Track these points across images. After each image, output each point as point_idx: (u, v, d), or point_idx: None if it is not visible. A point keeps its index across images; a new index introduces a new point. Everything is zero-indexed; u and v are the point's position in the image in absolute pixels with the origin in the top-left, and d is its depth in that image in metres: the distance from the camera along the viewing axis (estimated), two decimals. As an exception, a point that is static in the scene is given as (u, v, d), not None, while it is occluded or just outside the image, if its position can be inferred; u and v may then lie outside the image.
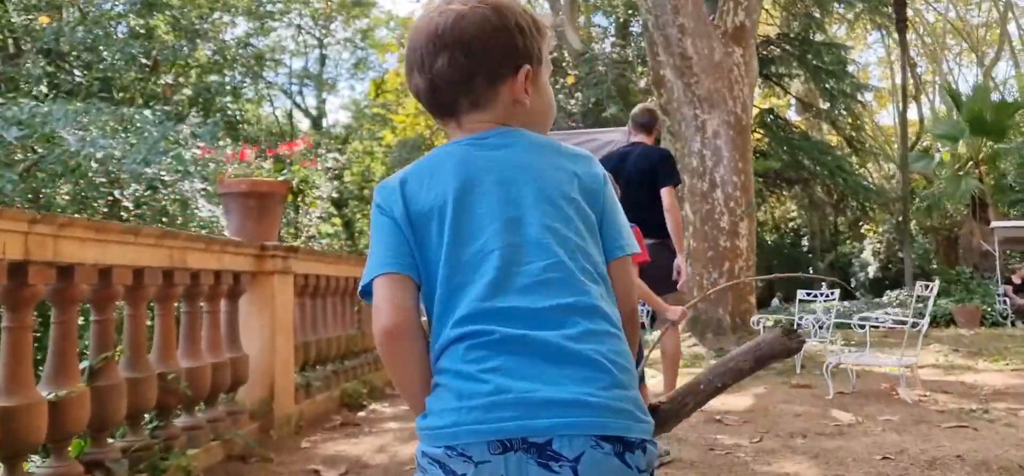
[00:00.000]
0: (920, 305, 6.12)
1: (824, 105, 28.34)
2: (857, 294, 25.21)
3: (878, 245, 30.57)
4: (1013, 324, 15.13)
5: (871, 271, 30.33)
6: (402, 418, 5.58)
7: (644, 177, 4.74)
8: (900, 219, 29.18)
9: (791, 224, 36.83)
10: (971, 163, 18.94)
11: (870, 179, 33.43)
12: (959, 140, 18.98)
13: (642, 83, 22.10)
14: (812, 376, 7.23)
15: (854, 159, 29.47)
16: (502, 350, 1.15)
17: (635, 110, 5.31)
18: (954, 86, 31.20)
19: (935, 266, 24.67)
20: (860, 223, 31.47)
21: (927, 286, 5.77)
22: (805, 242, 34.20)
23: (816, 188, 27.96)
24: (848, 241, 33.81)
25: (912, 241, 21.99)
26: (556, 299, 1.18)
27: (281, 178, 4.58)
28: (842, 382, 6.10)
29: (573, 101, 19.09)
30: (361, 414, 5.79)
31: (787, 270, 32.49)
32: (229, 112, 21.59)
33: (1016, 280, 15.67)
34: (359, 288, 1.32)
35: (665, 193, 4.74)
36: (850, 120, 28.29)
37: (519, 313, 1.17)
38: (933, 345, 9.89)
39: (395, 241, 1.26)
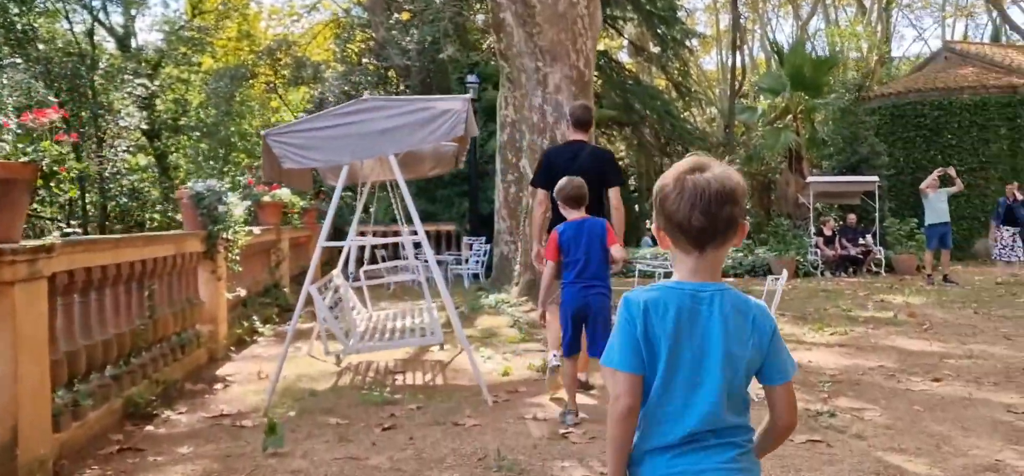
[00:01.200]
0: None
1: (655, 49, 28.74)
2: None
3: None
4: (823, 274, 15.88)
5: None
6: (201, 435, 4.69)
7: (597, 177, 5.14)
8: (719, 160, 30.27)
9: (620, 164, 37.54)
10: (790, 116, 19.63)
11: (694, 123, 34.55)
12: (779, 93, 19.58)
13: (481, 21, 21.32)
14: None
15: (680, 104, 30.23)
16: None
17: (574, 108, 5.69)
18: (772, 36, 32.58)
19: (749, 207, 25.87)
20: (683, 166, 32.40)
21: (776, 279, 5.48)
22: (633, 182, 34.95)
23: (645, 131, 28.43)
24: (674, 182, 34.81)
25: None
26: None
27: (25, 160, 3.49)
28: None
29: (408, 38, 18.02)
30: (149, 428, 4.84)
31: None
32: (18, 26, 18.90)
33: (827, 232, 16.41)
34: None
35: (614, 193, 5.35)
36: (678, 66, 28.87)
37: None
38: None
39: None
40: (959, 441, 4.28)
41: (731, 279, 14.78)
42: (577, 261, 4.67)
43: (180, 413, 5.21)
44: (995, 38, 32.39)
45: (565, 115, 9.78)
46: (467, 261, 14.67)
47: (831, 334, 8.04)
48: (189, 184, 7.08)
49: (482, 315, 9.56)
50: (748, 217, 8.47)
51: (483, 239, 14.72)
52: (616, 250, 4.78)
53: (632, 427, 1.72)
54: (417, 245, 7.46)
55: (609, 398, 1.75)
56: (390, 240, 8.73)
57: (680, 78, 29.14)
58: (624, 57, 35.72)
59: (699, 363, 1.68)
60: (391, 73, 20.13)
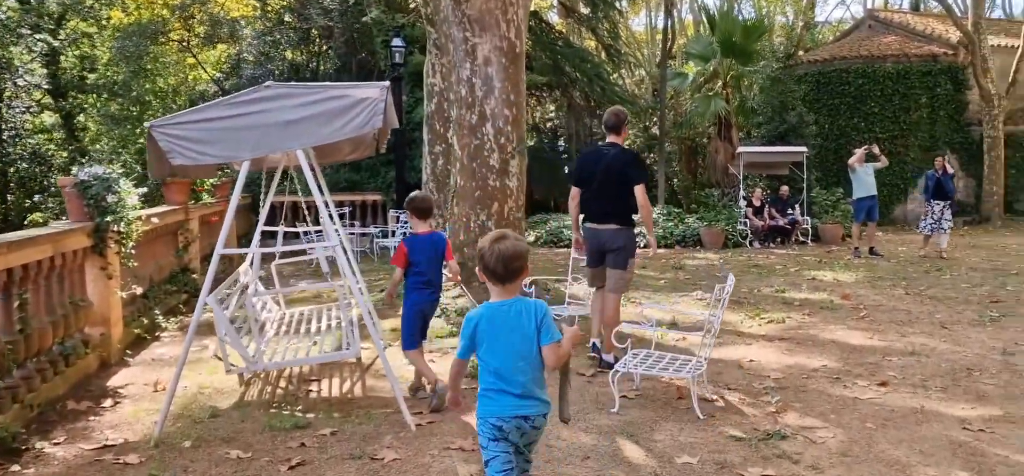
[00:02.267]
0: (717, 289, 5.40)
1: (585, 10, 28.17)
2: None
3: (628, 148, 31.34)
4: (751, 244, 15.75)
5: (620, 173, 31.10)
6: (77, 468, 4.02)
7: (619, 174, 5.75)
8: (647, 125, 30.12)
9: (549, 125, 37.06)
10: (720, 83, 19.38)
11: (623, 85, 34.22)
12: (709, 60, 19.29)
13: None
14: (584, 351, 6.48)
15: (610, 66, 29.80)
16: None
17: (605, 115, 6.24)
18: (701, 2, 32.31)
19: (677, 169, 25.75)
20: (613, 128, 32.11)
21: (722, 288, 5.04)
22: (563, 143, 34.53)
23: (575, 94, 27.95)
24: (600, 142, 34.53)
25: (664, 153, 22.49)
26: None
27: None
28: (625, 378, 5.32)
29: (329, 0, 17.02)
30: (15, 467, 4.14)
31: (547, 172, 32.72)
32: None
33: (756, 202, 16.27)
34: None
35: (639, 191, 5.77)
36: (608, 27, 28.39)
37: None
38: (696, 292, 9.64)
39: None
40: (920, 471, 3.93)
41: (664, 250, 14.51)
42: (422, 271, 5.18)
43: (56, 444, 4.51)
44: (915, 7, 32.82)
45: (495, 89, 9.23)
46: (394, 234, 13.99)
47: (768, 323, 7.73)
48: (74, 171, 6.25)
49: (407, 301, 8.97)
50: (677, 179, 8.02)
51: (410, 211, 14.06)
52: (452, 266, 5.49)
53: (460, 377, 3.11)
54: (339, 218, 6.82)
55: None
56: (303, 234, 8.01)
57: (610, 40, 28.69)
58: (554, 17, 35.07)
59: (503, 340, 2.84)
60: (314, 33, 19.07)
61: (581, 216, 6.17)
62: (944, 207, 12.96)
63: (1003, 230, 19.98)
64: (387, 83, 4.73)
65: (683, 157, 25.41)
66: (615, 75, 31.86)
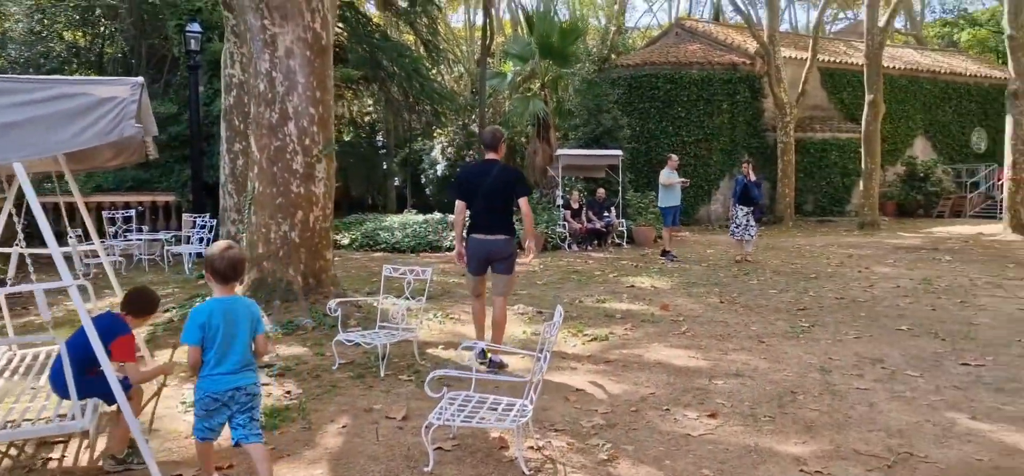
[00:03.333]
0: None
1: (404, 4, 27.28)
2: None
3: (447, 146, 30.84)
4: (570, 247, 15.60)
5: (440, 169, 30.57)
6: None
7: (503, 189, 6.08)
8: (466, 123, 29.67)
9: (367, 120, 35.84)
10: (538, 84, 19.18)
11: (442, 82, 33.61)
12: (528, 61, 19.04)
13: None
14: (398, 384, 5.73)
15: (428, 62, 29.10)
16: None
17: (483, 133, 6.43)
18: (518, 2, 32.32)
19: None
20: (432, 125, 31.50)
21: (551, 325, 4.43)
22: (381, 138, 33.47)
23: (393, 89, 27.02)
24: (420, 138, 33.81)
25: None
26: None
27: None
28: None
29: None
30: None
31: (364, 169, 31.56)
32: None
33: (574, 205, 16.15)
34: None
35: (523, 202, 6.13)
36: (427, 22, 27.66)
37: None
38: (517, 306, 9.12)
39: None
40: (764, 532, 3.51)
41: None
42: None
43: None
44: (715, 17, 34.54)
45: (299, 85, 8.22)
46: (189, 240, 12.52)
47: (592, 340, 7.31)
48: None
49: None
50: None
51: (208, 215, 12.65)
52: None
53: (197, 367, 3.61)
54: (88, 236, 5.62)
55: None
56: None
57: (429, 36, 27.97)
58: (371, 9, 33.88)
59: (232, 332, 3.57)
60: (98, 12, 16.91)
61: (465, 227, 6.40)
62: (748, 213, 13.27)
63: (794, 230, 21.22)
64: (140, 80, 3.71)
65: (504, 158, 25.13)
66: (434, 71, 31.19)
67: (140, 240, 12.43)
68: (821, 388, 5.68)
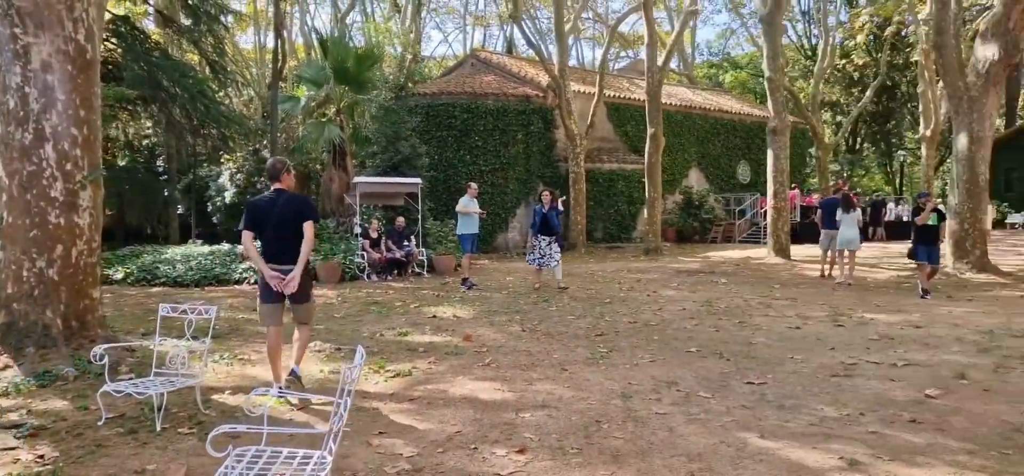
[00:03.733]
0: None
1: (186, 22, 25.61)
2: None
3: (237, 172, 29.22)
4: (369, 277, 15.14)
5: (228, 196, 28.86)
6: None
7: (292, 218, 6.13)
8: (257, 148, 28.27)
9: (146, 143, 33.19)
10: (334, 109, 18.58)
11: (230, 104, 31.87)
12: (322, 85, 18.41)
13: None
14: (177, 439, 5.09)
15: (215, 83, 27.50)
16: None
17: (269, 164, 6.51)
18: (312, 23, 31.40)
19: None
20: (219, 149, 29.72)
21: (351, 367, 4.07)
22: (161, 163, 31.08)
23: (175, 110, 25.18)
24: (206, 164, 31.80)
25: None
26: None
27: None
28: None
29: None
30: None
31: (141, 196, 29.10)
32: None
33: (373, 234, 15.72)
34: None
35: (307, 226, 6.13)
36: (213, 42, 26.15)
37: None
38: (314, 343, 8.58)
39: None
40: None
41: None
42: None
43: None
44: (508, 50, 35.48)
45: (58, 102, 7.26)
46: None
47: (395, 376, 6.98)
48: None
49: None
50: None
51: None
52: None
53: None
54: None
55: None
56: None
57: (215, 56, 26.42)
58: (150, 24, 31.57)
59: None
60: None
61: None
62: (550, 242, 13.33)
63: (586, 256, 22.05)
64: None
65: (297, 185, 24.15)
66: (222, 94, 29.48)
67: None
68: (624, 415, 5.72)
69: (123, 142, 33.02)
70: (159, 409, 5.49)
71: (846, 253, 14.40)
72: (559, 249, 13.50)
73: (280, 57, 32.83)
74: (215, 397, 6.26)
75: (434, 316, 10.52)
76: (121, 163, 31.22)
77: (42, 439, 5.20)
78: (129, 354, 7.37)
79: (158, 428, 5.37)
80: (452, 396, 6.29)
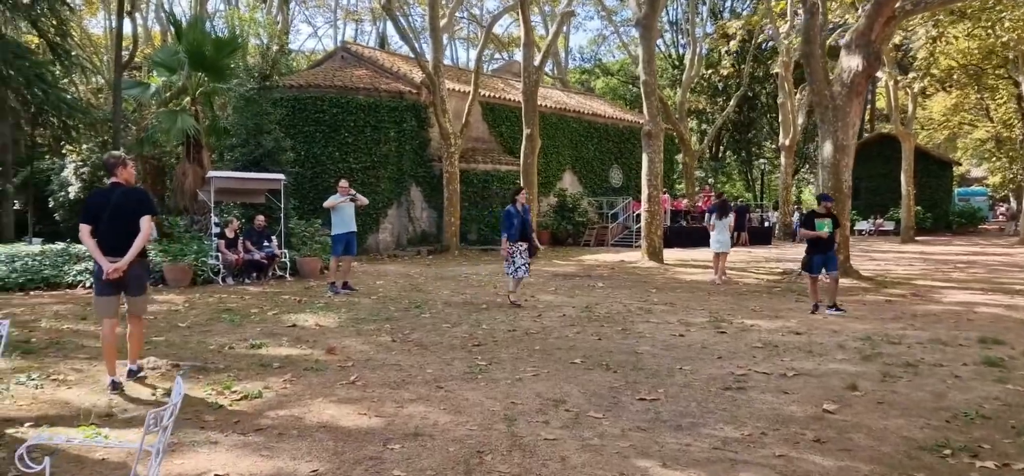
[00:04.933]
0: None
1: (24, 1, 23.07)
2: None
3: (82, 166, 26.65)
4: (224, 280, 13.79)
5: (73, 192, 26.26)
6: None
7: (132, 211, 6.22)
8: (106, 139, 25.89)
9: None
10: (188, 99, 16.96)
11: (76, 92, 29.13)
12: (177, 71, 16.76)
13: None
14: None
15: (57, 68, 24.98)
16: None
17: (104, 157, 6.82)
18: (169, 9, 29.15)
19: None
20: (62, 140, 27.02)
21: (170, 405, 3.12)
22: (-8, 157, 27.90)
23: (9, 95, 22.63)
24: (47, 155, 28.89)
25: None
26: None
27: None
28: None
29: None
30: None
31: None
32: None
33: (230, 234, 14.32)
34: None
35: (144, 221, 6.23)
36: (55, 23, 23.68)
37: None
38: (146, 358, 7.35)
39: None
40: None
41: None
42: None
43: None
44: (382, 45, 34.26)
45: None
46: None
47: (242, 399, 5.94)
48: None
49: None
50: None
51: None
52: None
53: None
54: None
55: None
56: None
57: (57, 38, 23.94)
58: (-18, 3, 28.44)
59: None
60: None
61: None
62: (525, 249, 11.43)
63: (460, 258, 21.32)
64: None
65: (149, 179, 22.16)
66: (66, 80, 26.84)
67: None
68: (509, 443, 4.96)
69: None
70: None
71: (722, 256, 14.75)
72: (529, 257, 11.63)
73: (133, 43, 30.29)
74: (10, 430, 5.04)
75: (294, 325, 9.44)
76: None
77: None
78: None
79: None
80: (308, 424, 5.33)
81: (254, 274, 14.29)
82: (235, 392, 6.12)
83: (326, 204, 12.65)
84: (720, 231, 15.25)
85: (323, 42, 44.95)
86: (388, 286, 13.89)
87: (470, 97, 23.59)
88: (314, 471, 4.42)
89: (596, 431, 5.26)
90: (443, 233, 23.38)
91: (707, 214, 16.45)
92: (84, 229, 6.23)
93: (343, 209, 12.52)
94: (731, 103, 35.49)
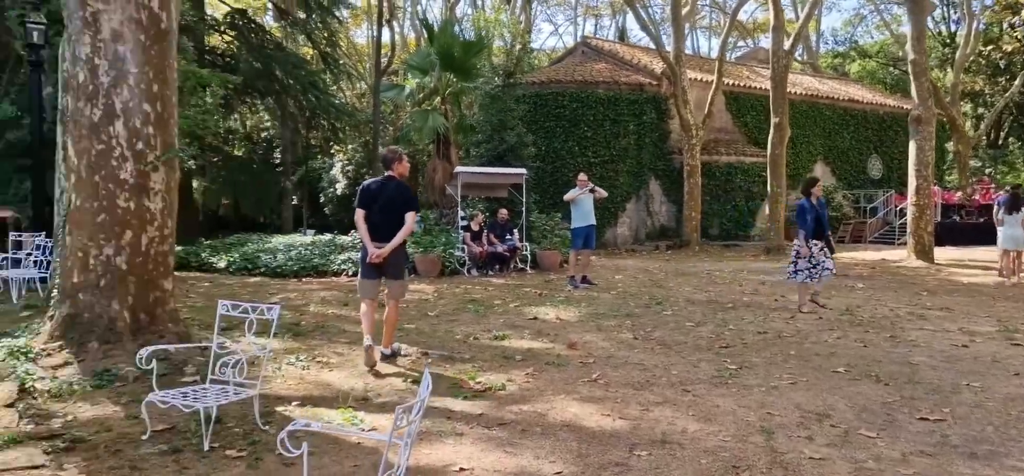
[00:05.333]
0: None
1: (301, 15, 25.60)
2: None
3: (347, 164, 29.16)
4: (469, 272, 14.26)
5: (340, 188, 28.80)
6: None
7: (397, 204, 6.71)
8: (368, 140, 28.05)
9: (264, 135, 33.73)
10: (438, 99, 17.81)
11: (343, 97, 31.84)
12: (428, 73, 17.66)
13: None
14: (224, 464, 4.21)
15: (328, 76, 27.47)
16: None
17: (382, 152, 8.21)
18: (422, 15, 30.98)
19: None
20: (330, 141, 29.75)
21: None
22: (278, 155, 31.43)
23: (289, 101, 25.25)
24: (319, 156, 31.98)
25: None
26: None
27: None
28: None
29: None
30: None
31: (254, 185, 29.38)
32: None
33: (474, 227, 14.81)
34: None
35: (409, 216, 6.70)
36: (326, 35, 26.05)
37: None
38: (400, 340, 7.66)
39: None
40: None
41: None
42: None
43: None
44: (621, 37, 34.03)
45: (129, 76, 6.58)
46: (19, 264, 10.53)
47: (486, 391, 5.93)
48: None
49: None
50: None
51: (44, 234, 10.69)
52: None
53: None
54: None
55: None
56: None
57: (327, 48, 26.32)
58: (269, 20, 32.02)
59: None
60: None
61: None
62: (822, 247, 10.29)
63: (701, 254, 20.52)
64: None
65: (404, 175, 23.66)
66: (335, 87, 29.47)
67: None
68: (768, 459, 4.46)
69: (242, 134, 33.64)
70: (207, 424, 4.63)
71: (1012, 254, 12.95)
72: (831, 254, 10.43)
73: (387, 48, 32.50)
74: (279, 409, 5.39)
75: (535, 318, 9.44)
76: (238, 153, 31.71)
77: (76, 455, 4.43)
78: (200, 353, 6.61)
79: (206, 447, 4.52)
80: (551, 422, 5.18)
81: (497, 266, 14.65)
82: (479, 383, 6.14)
83: (566, 197, 12.62)
84: (1010, 226, 13.36)
85: (563, 39, 45.64)
86: (627, 281, 13.61)
87: (713, 86, 22.64)
88: (558, 473, 4.23)
89: (871, 453, 4.59)
90: (682, 227, 22.67)
91: (995, 206, 14.36)
92: (359, 213, 6.75)
93: (582, 202, 12.40)
94: (1016, 83, 31.05)
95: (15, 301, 9.84)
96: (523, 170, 15.78)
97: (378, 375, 6.37)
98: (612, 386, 6.13)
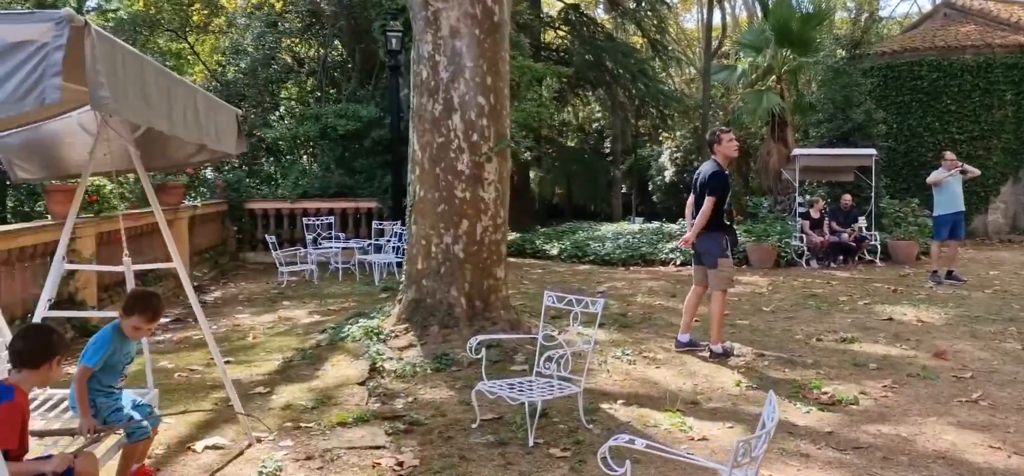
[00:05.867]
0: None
1: (631, 5, 25.65)
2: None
3: (676, 151, 28.69)
4: (808, 263, 13.02)
5: (668, 176, 28.44)
6: None
7: (700, 188, 6.48)
8: (697, 126, 27.30)
9: (595, 126, 34.57)
10: (773, 77, 16.57)
11: (672, 84, 31.40)
12: (762, 51, 16.49)
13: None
14: (547, 462, 4.03)
15: (656, 63, 27.21)
16: None
17: (709, 134, 7.48)
18: (756, -8, 29.36)
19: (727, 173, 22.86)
20: (659, 128, 29.48)
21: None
22: (608, 145, 31.99)
23: (619, 91, 25.45)
24: (648, 144, 31.94)
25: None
26: None
27: None
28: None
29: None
30: None
31: (586, 175, 30.16)
32: None
33: (814, 214, 13.49)
34: None
35: (708, 200, 6.32)
36: (655, 22, 25.79)
37: None
38: (730, 338, 7.03)
39: None
40: None
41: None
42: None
43: None
44: (994, -5, 29.20)
45: (465, 69, 6.81)
46: (379, 250, 11.71)
47: (832, 403, 5.12)
48: None
49: (337, 354, 6.56)
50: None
51: (400, 223, 11.76)
52: None
53: None
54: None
55: None
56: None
57: (656, 35, 26.05)
58: (601, 13, 32.63)
59: None
60: (316, 21, 16.82)
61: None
62: None
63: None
64: (64, 13, 2.30)
65: (731, 157, 22.56)
66: (663, 73, 29.17)
67: (334, 248, 11.82)
68: None
69: (575, 125, 34.81)
70: (532, 419, 4.51)
71: None
72: None
73: (718, 30, 31.36)
74: (604, 406, 5.14)
75: (890, 319, 8.18)
76: (570, 144, 32.83)
77: (412, 438, 4.57)
78: (529, 342, 6.63)
79: (531, 442, 4.39)
80: (921, 450, 4.26)
81: (840, 257, 13.19)
82: (826, 393, 5.33)
83: (930, 180, 10.91)
84: None
85: (918, 3, 40.53)
86: (1006, 278, 11.44)
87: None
88: (934, 520, 3.40)
89: None
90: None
91: None
92: (690, 201, 6.76)
93: (950, 185, 10.62)
94: None
95: (376, 283, 10.94)
96: (872, 151, 14.01)
97: (708, 376, 5.86)
98: (999, 410, 4.96)
